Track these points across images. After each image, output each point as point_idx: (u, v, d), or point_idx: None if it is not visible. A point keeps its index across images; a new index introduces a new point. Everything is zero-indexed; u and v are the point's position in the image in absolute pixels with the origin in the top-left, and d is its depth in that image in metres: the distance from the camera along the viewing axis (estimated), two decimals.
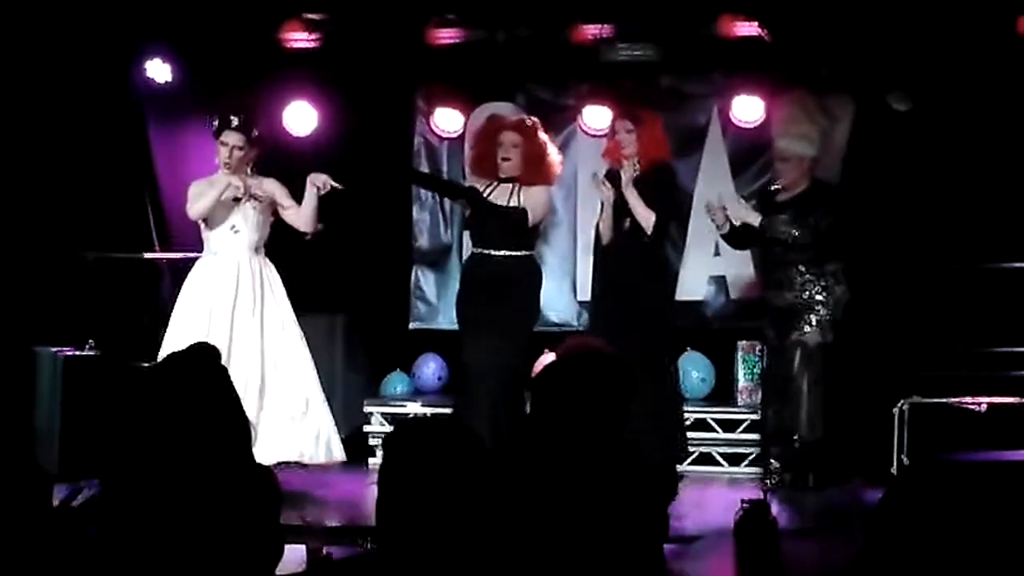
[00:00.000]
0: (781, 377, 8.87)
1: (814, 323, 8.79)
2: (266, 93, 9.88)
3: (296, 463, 8.36)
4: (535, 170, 8.86)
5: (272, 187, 8.63)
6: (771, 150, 9.38)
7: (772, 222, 8.90)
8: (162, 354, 8.00)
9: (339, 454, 8.56)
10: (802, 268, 8.82)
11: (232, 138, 8.48)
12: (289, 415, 8.35)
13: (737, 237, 9.09)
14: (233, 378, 7.65)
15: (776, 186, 9.18)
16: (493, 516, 3.48)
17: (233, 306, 8.41)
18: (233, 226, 8.52)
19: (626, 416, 4.58)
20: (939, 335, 9.40)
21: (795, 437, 8.74)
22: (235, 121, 8.48)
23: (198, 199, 8.52)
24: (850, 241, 8.95)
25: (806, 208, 8.84)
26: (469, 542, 3.34)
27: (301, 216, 8.58)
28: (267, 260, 8.61)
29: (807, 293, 8.80)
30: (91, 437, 8.85)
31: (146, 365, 8.37)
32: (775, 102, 9.38)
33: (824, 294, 8.81)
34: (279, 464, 8.05)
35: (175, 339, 8.22)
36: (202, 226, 8.61)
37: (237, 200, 8.48)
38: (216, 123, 8.52)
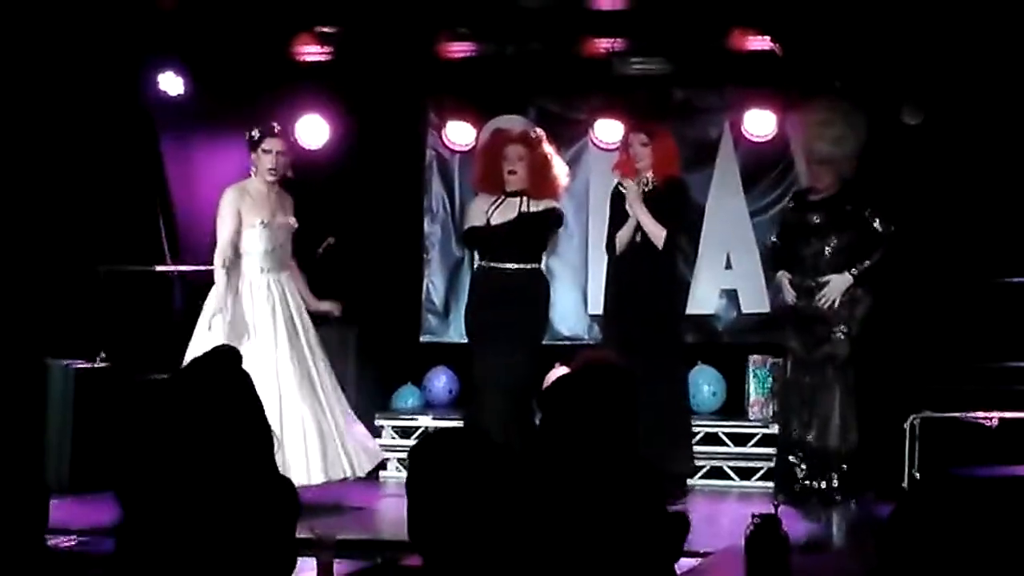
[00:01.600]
0: (809, 389, 8.77)
1: (844, 334, 8.69)
2: (278, 106, 9.90)
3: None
4: (542, 182, 8.89)
5: (289, 207, 8.69)
6: (806, 154, 9.19)
7: (805, 225, 8.80)
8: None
9: (378, 453, 8.79)
10: (832, 276, 8.71)
11: (276, 144, 8.55)
12: (333, 434, 8.43)
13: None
14: (276, 391, 7.71)
15: (802, 187, 9.11)
16: (514, 527, 3.49)
17: (286, 324, 8.47)
18: (281, 244, 8.59)
19: (635, 430, 4.57)
20: (951, 349, 9.37)
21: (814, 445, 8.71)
22: (277, 127, 8.58)
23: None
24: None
25: (837, 210, 8.74)
26: (496, 551, 3.35)
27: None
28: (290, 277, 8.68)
29: (838, 303, 8.70)
30: (103, 449, 8.87)
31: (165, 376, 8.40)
32: (802, 108, 9.31)
33: (853, 304, 8.72)
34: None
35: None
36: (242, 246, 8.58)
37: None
38: (257, 133, 8.55)
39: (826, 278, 8.67)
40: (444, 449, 3.47)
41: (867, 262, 8.66)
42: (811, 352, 8.76)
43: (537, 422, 4.85)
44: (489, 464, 3.42)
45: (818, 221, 8.76)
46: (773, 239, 9.31)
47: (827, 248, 8.71)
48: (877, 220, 8.68)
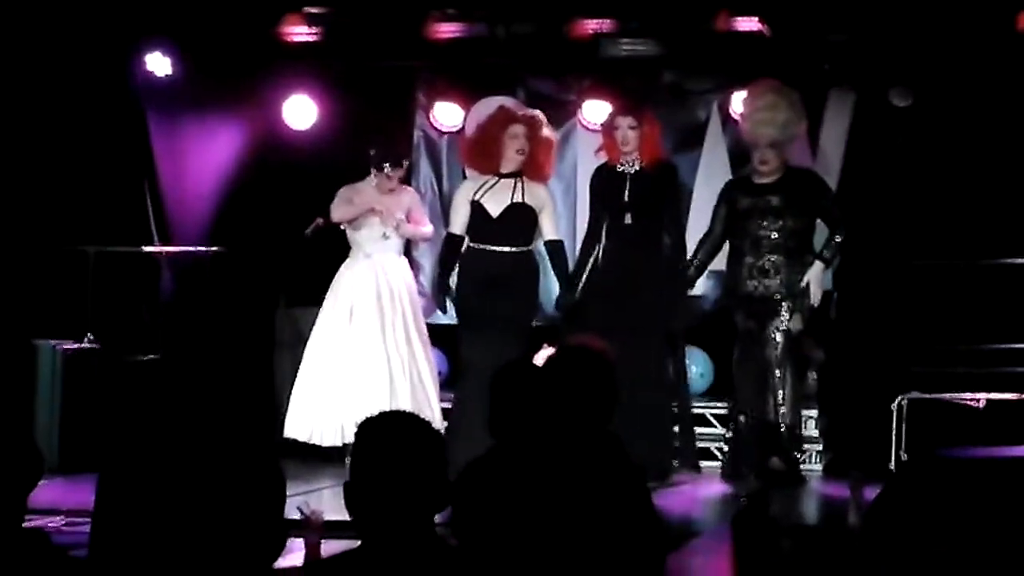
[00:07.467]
0: (761, 366, 8.85)
1: (794, 310, 8.78)
2: (266, 87, 9.88)
3: None
4: (540, 165, 8.86)
5: (408, 200, 9.17)
6: (753, 139, 9.06)
7: (758, 208, 8.86)
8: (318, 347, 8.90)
9: None
10: (785, 256, 8.80)
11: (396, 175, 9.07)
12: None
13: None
14: (366, 373, 8.15)
15: (754, 169, 9.08)
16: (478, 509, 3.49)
17: (379, 306, 8.99)
18: (384, 234, 9.01)
19: (610, 415, 4.55)
20: (938, 331, 9.40)
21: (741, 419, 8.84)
22: (406, 163, 9.23)
23: (339, 207, 9.00)
24: (849, 237, 8.93)
25: (792, 193, 8.83)
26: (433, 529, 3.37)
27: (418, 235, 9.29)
28: (406, 262, 9.24)
29: (790, 280, 8.78)
30: (91, 429, 8.87)
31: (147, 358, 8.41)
32: (746, 93, 9.27)
33: (804, 282, 8.80)
34: None
35: (323, 334, 9.03)
36: (347, 227, 9.02)
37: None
38: (384, 159, 9.04)
39: (804, 280, 8.75)
40: (382, 430, 3.50)
41: (833, 243, 8.78)
42: (764, 330, 8.83)
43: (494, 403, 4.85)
44: (420, 447, 3.44)
45: (776, 204, 8.83)
46: (714, 230, 9.23)
47: (784, 230, 8.80)
48: (835, 209, 8.85)
